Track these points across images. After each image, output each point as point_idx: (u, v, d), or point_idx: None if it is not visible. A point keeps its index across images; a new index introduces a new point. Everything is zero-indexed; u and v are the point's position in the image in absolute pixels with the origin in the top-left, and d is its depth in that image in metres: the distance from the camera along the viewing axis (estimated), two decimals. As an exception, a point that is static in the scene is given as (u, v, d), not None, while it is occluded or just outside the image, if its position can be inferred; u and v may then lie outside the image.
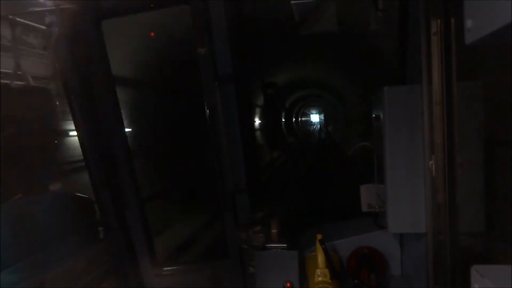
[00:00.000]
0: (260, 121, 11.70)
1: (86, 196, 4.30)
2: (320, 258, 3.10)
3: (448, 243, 2.31)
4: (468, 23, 1.28)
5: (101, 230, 4.27)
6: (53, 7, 3.55)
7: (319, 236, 3.14)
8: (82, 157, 4.11)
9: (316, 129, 28.23)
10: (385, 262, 3.43)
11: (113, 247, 4.29)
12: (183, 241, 5.72)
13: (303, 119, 25.76)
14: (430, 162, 2.45)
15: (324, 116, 26.99)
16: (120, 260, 4.37)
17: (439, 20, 2.20)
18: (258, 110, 10.98)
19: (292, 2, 3.07)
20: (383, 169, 2.91)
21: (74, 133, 4.07)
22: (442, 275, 2.40)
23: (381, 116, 2.90)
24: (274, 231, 3.50)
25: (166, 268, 4.56)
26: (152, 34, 5.01)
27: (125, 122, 4.41)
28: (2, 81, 3.36)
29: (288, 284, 3.39)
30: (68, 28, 3.71)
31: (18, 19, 3.44)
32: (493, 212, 2.36)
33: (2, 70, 3.37)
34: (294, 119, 21.48)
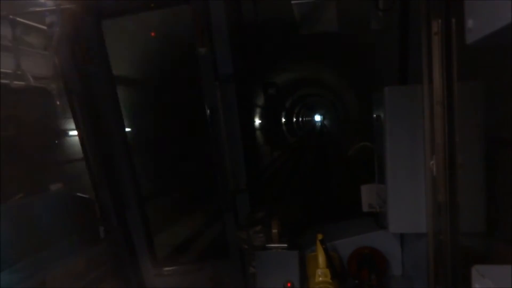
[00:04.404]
0: (261, 121, 11.70)
1: (86, 196, 4.30)
2: (321, 258, 3.10)
3: (448, 243, 2.31)
4: (469, 23, 1.28)
5: (102, 230, 4.27)
6: (54, 7, 3.55)
7: (319, 236, 3.13)
8: (82, 157, 4.11)
9: (317, 129, 28.20)
10: (385, 262, 3.43)
11: (114, 247, 4.29)
12: (183, 241, 5.73)
13: (304, 118, 25.73)
14: (431, 162, 2.44)
15: (325, 116, 27.00)
16: (120, 260, 4.37)
17: (440, 20, 2.19)
18: (258, 110, 10.97)
19: (292, 2, 3.07)
20: (384, 169, 2.91)
21: (75, 132, 4.07)
22: (443, 275, 2.40)
23: (382, 116, 2.89)
24: (274, 231, 3.49)
25: (166, 268, 4.55)
26: (153, 34, 5.01)
27: (125, 122, 4.41)
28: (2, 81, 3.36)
29: (289, 284, 3.39)
30: (69, 28, 3.71)
31: (18, 19, 3.44)
32: (494, 212, 2.35)
33: (2, 70, 3.37)
34: (295, 119, 21.47)
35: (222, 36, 3.84)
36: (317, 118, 30.26)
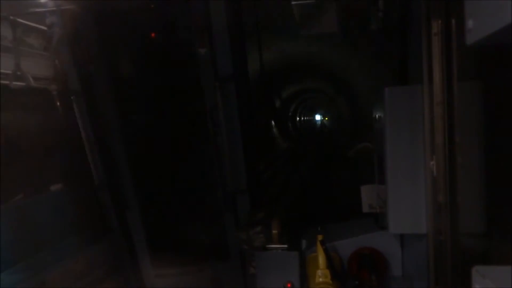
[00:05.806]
0: (260, 121, 11.68)
1: (86, 196, 4.30)
2: (321, 259, 3.10)
3: (449, 243, 2.31)
4: (469, 23, 1.27)
5: (102, 230, 4.28)
6: (54, 8, 3.55)
7: (320, 237, 3.13)
8: (82, 157, 4.11)
9: (317, 129, 28.20)
10: (386, 263, 3.42)
11: (114, 248, 4.30)
12: (184, 241, 5.72)
13: (304, 118, 25.73)
14: (431, 163, 2.44)
15: (325, 116, 27.00)
16: (120, 260, 4.37)
17: (440, 21, 2.20)
18: (258, 110, 10.95)
19: (293, 2, 3.07)
20: (384, 169, 2.91)
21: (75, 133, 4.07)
22: (443, 275, 2.40)
23: (382, 116, 2.90)
24: (274, 231, 3.49)
25: (166, 269, 4.56)
26: (152, 34, 5.01)
27: (125, 122, 4.41)
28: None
29: (289, 285, 3.39)
30: (69, 28, 3.71)
31: (19, 19, 3.44)
32: (494, 212, 2.35)
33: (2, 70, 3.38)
34: (294, 119, 21.47)
35: (222, 36, 3.84)
36: (317, 118, 30.24)
